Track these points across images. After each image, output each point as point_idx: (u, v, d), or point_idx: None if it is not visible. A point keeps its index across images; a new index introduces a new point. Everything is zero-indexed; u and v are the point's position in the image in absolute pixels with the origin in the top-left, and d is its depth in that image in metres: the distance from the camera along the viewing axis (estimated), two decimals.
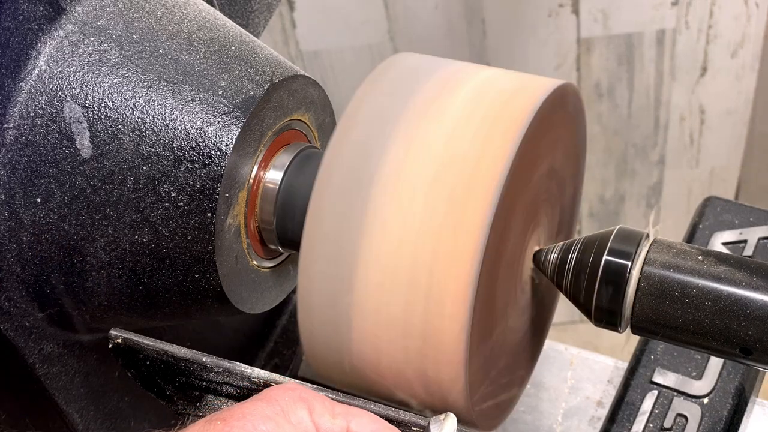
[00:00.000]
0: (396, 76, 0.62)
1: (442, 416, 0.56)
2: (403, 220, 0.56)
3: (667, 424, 0.79)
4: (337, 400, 0.57)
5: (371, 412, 0.57)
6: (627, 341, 1.59)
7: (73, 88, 0.61)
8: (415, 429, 0.57)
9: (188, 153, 0.60)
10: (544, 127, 0.60)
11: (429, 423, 0.56)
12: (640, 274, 0.60)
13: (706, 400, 0.80)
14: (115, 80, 0.61)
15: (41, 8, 0.61)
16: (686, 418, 0.79)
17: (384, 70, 0.63)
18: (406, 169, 0.57)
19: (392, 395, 0.60)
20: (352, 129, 0.59)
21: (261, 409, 0.53)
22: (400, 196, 0.56)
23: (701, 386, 0.81)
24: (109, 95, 0.61)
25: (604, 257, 0.61)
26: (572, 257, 0.62)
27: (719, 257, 0.60)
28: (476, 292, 0.55)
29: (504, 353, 0.65)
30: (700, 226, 0.90)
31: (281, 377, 0.59)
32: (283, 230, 0.65)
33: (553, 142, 0.64)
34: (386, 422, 0.56)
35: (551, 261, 0.64)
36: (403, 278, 0.56)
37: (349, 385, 0.61)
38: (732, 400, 0.80)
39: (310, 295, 0.58)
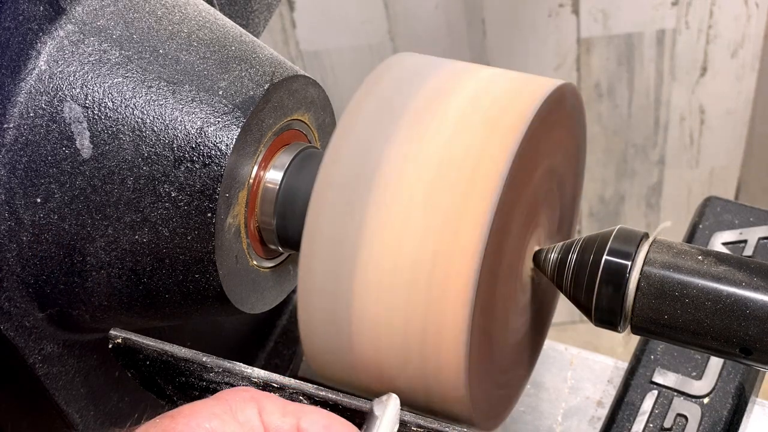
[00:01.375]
0: (396, 76, 0.62)
1: (384, 397, 0.56)
2: (403, 220, 0.56)
3: (667, 424, 0.79)
4: (336, 402, 0.57)
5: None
6: (627, 341, 1.59)
7: (73, 88, 0.61)
8: (357, 412, 0.57)
9: (188, 153, 0.60)
10: (543, 128, 0.60)
11: (372, 405, 0.56)
12: (640, 274, 0.60)
13: (706, 400, 0.80)
14: (115, 80, 0.61)
15: (41, 8, 0.61)
16: (686, 418, 0.79)
17: (384, 70, 0.63)
18: (406, 169, 0.57)
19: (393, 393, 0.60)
20: (352, 129, 0.59)
21: (209, 408, 0.54)
22: (400, 196, 0.56)
23: (701, 386, 0.81)
24: (109, 95, 0.61)
25: (604, 257, 0.61)
26: (572, 257, 0.62)
27: (719, 257, 0.60)
28: (476, 292, 0.55)
29: (504, 353, 0.65)
30: (700, 226, 0.90)
31: (281, 377, 0.59)
32: (283, 230, 0.65)
33: (553, 142, 0.64)
34: (338, 417, 0.56)
35: (551, 261, 0.64)
36: (403, 278, 0.56)
37: (349, 385, 0.61)
38: (732, 400, 0.80)
39: (310, 295, 0.58)
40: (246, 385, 0.60)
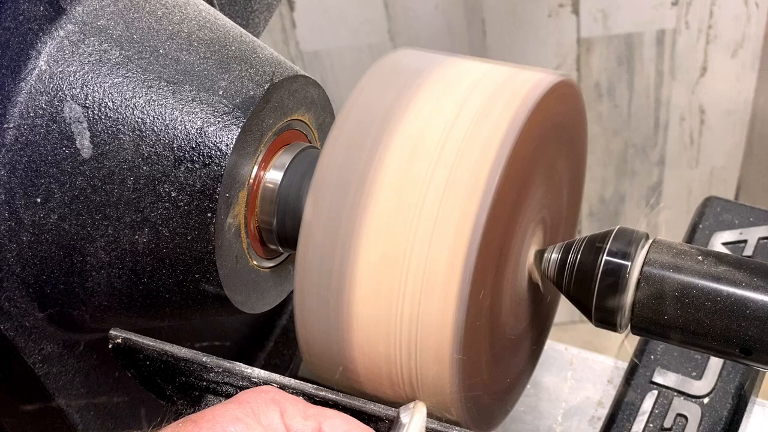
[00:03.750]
0: (393, 73, 0.62)
1: (411, 404, 0.56)
2: (399, 218, 0.56)
3: (667, 424, 0.79)
4: (336, 402, 0.57)
5: (372, 412, 0.57)
6: (627, 341, 1.59)
7: (74, 88, 0.61)
8: (387, 421, 0.57)
9: (188, 153, 0.60)
10: (542, 124, 0.60)
11: (399, 412, 0.56)
12: (640, 274, 0.60)
13: (706, 400, 0.80)
14: (116, 80, 0.61)
15: (41, 8, 0.61)
16: (686, 418, 0.79)
17: (382, 66, 0.63)
18: (403, 167, 0.57)
19: (389, 395, 0.60)
20: (348, 127, 0.59)
21: (232, 411, 0.54)
22: (397, 194, 0.56)
23: (701, 386, 0.81)
24: (110, 95, 0.61)
25: (604, 257, 0.60)
26: (572, 257, 0.62)
27: (719, 257, 0.60)
28: (474, 293, 0.55)
29: (504, 354, 0.65)
30: (700, 226, 0.90)
31: (281, 377, 0.59)
32: (283, 230, 0.65)
33: (553, 139, 0.64)
34: (359, 422, 0.56)
35: (551, 261, 0.64)
36: (399, 277, 0.56)
37: (345, 386, 0.61)
38: (732, 400, 0.80)
39: (307, 295, 0.58)
40: (246, 385, 0.60)
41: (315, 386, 0.59)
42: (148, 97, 0.61)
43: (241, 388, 0.60)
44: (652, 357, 0.83)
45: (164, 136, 0.60)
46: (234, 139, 0.61)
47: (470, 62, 0.63)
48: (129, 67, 0.61)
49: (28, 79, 0.61)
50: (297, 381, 0.59)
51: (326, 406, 0.57)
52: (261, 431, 0.53)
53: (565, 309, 0.73)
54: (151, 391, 0.64)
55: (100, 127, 0.61)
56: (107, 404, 0.72)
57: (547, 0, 1.46)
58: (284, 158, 0.66)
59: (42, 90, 0.61)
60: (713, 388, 0.80)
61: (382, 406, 0.58)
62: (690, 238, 0.90)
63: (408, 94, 0.59)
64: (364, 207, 0.57)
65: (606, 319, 0.62)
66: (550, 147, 0.64)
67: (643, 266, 0.60)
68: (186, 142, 0.60)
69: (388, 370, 0.58)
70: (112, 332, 0.62)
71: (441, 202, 0.55)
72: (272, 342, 0.95)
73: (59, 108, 0.61)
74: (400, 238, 0.56)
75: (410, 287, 0.56)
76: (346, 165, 0.58)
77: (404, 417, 0.55)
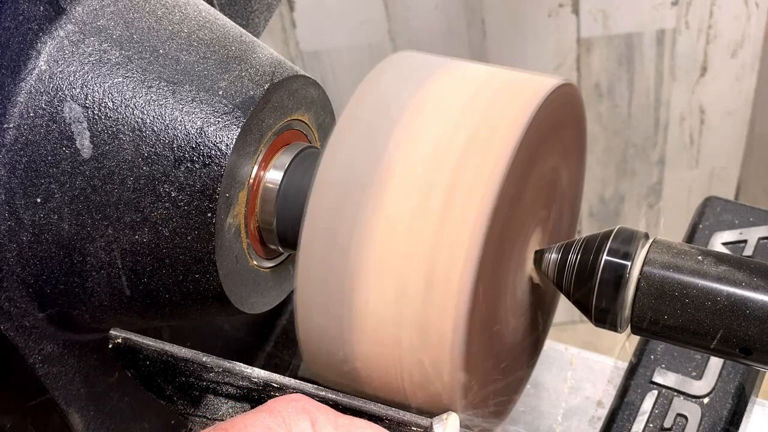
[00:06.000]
0: (395, 75, 0.62)
1: (444, 415, 0.56)
2: (402, 219, 0.56)
3: (667, 424, 0.79)
4: (336, 402, 0.57)
5: (372, 412, 0.57)
6: (627, 341, 1.59)
7: (74, 88, 0.61)
8: (417, 429, 0.57)
9: (188, 153, 0.60)
10: (543, 127, 0.60)
11: (432, 423, 0.56)
12: (640, 274, 0.60)
13: (706, 400, 0.80)
14: (116, 80, 0.61)
15: (41, 8, 0.61)
16: (686, 418, 0.79)
17: (383, 69, 0.63)
18: (405, 169, 0.57)
19: (390, 396, 0.60)
20: (350, 128, 0.59)
21: (263, 420, 0.53)
22: (399, 196, 0.56)
23: (701, 386, 0.81)
24: (110, 95, 0.61)
25: (604, 257, 0.61)
26: (572, 257, 0.62)
27: (719, 257, 0.60)
28: (476, 293, 0.55)
29: (504, 354, 0.65)
30: (700, 226, 0.90)
31: (281, 377, 0.59)
32: (283, 230, 0.65)
33: (553, 141, 0.64)
34: None
35: (551, 261, 0.64)
36: (401, 279, 0.56)
37: (347, 387, 0.61)
38: (732, 400, 0.80)
39: (308, 296, 0.58)
40: (246, 385, 0.60)
41: (315, 386, 0.59)
42: (148, 97, 0.61)
43: (241, 388, 0.60)
44: (652, 357, 0.83)
45: (164, 136, 0.60)
46: (234, 139, 0.61)
47: (471, 66, 0.63)
48: (129, 67, 0.61)
49: (28, 79, 0.61)
50: (297, 381, 0.59)
51: (378, 421, 0.57)
52: None
53: (565, 309, 0.73)
54: (151, 391, 0.64)
55: (100, 127, 0.61)
56: (107, 404, 0.72)
57: (547, 0, 1.46)
58: (284, 158, 0.66)
59: (42, 90, 0.61)
60: (713, 388, 0.80)
61: (382, 405, 0.58)
62: (690, 238, 0.90)
63: (411, 100, 0.59)
64: (368, 207, 0.57)
65: (606, 319, 0.62)
66: (550, 149, 0.64)
67: (643, 266, 0.60)
68: (186, 142, 0.60)
69: (387, 370, 0.58)
70: (112, 332, 0.62)
71: (447, 204, 0.55)
72: (272, 342, 0.95)
73: (59, 108, 0.61)
74: (404, 238, 0.56)
75: (415, 288, 0.56)
76: (351, 164, 0.58)
77: (438, 428, 0.55)
